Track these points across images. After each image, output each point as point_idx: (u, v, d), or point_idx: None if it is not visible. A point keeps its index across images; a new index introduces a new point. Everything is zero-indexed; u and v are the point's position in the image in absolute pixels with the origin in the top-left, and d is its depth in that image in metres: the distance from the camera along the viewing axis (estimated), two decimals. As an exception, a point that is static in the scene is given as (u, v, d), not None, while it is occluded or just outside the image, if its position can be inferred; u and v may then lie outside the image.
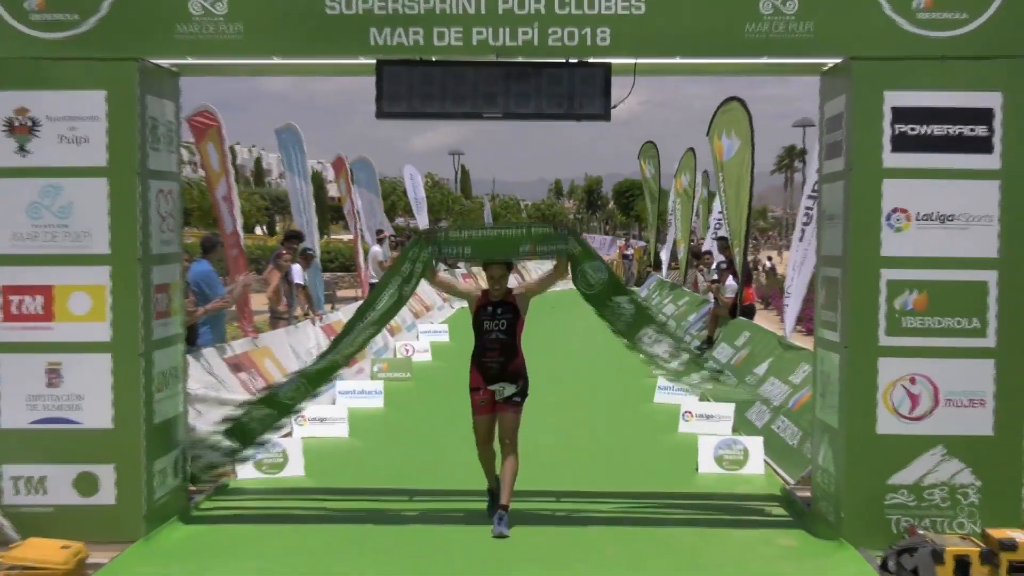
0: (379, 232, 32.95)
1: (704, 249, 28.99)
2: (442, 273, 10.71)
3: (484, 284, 10.32)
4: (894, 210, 9.43)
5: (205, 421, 12.93)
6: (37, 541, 8.88)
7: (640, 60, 9.64)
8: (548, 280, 10.49)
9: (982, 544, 8.60)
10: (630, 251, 54.80)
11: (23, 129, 9.49)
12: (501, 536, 9.59)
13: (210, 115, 16.72)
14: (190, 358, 12.32)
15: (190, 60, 9.72)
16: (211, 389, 13.53)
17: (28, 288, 9.57)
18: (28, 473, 9.60)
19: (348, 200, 27.58)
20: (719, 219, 26.67)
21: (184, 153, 11.58)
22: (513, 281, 10.50)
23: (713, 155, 22.27)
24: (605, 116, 9.62)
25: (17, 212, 9.52)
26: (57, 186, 9.49)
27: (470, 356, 10.20)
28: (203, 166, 17.45)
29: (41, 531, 9.25)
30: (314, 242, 22.14)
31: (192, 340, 13.52)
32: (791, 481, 11.84)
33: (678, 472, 12.39)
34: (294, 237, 19.71)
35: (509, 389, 10.02)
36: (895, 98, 9.39)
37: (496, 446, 10.25)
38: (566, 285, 10.79)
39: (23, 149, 9.50)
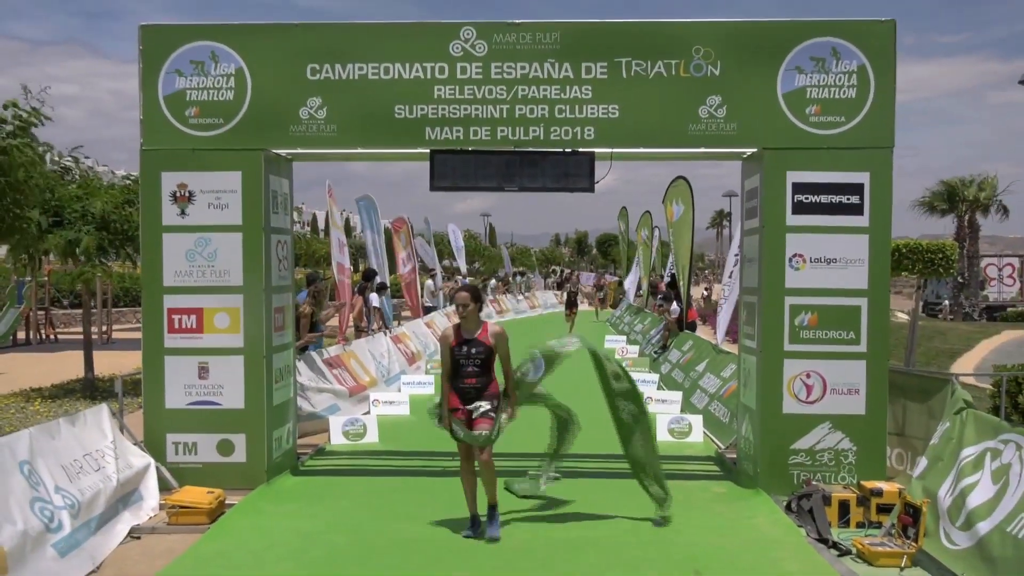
0: (431, 270, 32.93)
1: (663, 284, 28.88)
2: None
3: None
4: (794, 255, 9.40)
5: (310, 403, 12.93)
6: (190, 488, 8.87)
7: (615, 150, 9.64)
8: (508, 369, 8.15)
9: (858, 492, 8.53)
10: (605, 282, 54.67)
11: (183, 198, 9.53)
12: (493, 539, 7.91)
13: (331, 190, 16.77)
14: (299, 360, 12.31)
15: (300, 150, 9.74)
16: (313, 381, 13.51)
17: (185, 310, 9.60)
18: (184, 440, 9.60)
19: (410, 247, 27.53)
20: (672, 262, 26.74)
21: (295, 215, 11.60)
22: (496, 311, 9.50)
23: (666, 217, 22.24)
24: (590, 189, 9.62)
25: (179, 256, 9.55)
26: (206, 238, 9.53)
27: (449, 381, 8.08)
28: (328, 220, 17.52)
29: (193, 481, 9.25)
30: (385, 277, 22.13)
31: (303, 349, 13.54)
32: (722, 447, 11.77)
33: (642, 440, 12.30)
34: (372, 274, 19.75)
35: (484, 406, 7.90)
36: (795, 176, 9.37)
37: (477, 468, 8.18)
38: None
39: (183, 212, 9.53)
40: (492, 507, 8.18)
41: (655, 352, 21.38)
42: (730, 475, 10.27)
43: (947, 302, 47.04)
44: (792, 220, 9.39)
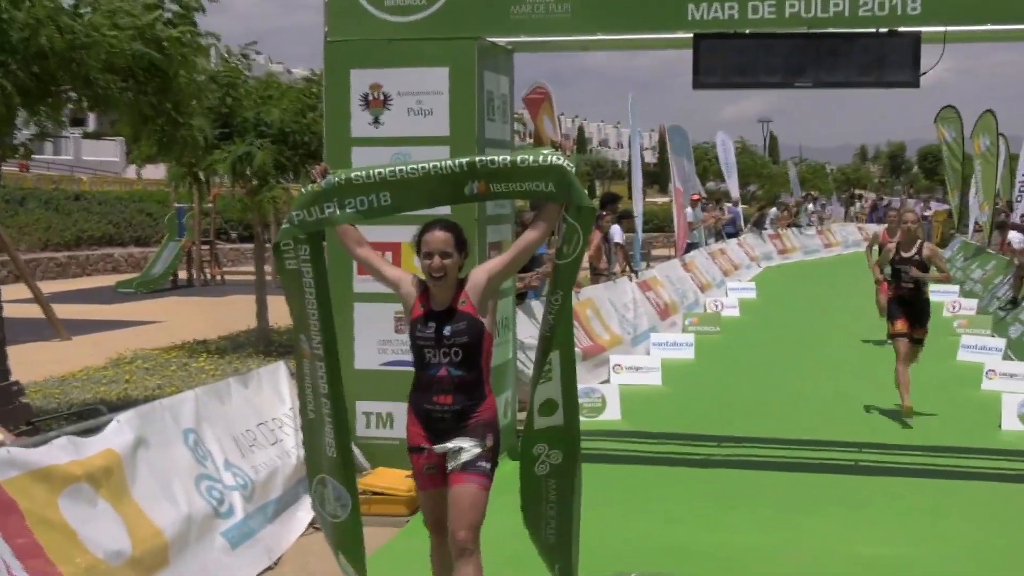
0: (693, 197, 32.71)
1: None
2: (360, 249, 6.62)
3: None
4: None
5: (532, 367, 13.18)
6: (385, 470, 9.23)
7: (950, 28, 9.20)
8: (529, 244, 6.03)
9: None
10: (928, 213, 52.65)
11: (377, 103, 9.83)
12: None
13: (542, 89, 17.00)
14: (519, 310, 12.55)
15: (523, 38, 9.83)
16: (536, 338, 13.71)
17: (379, 245, 9.81)
18: (378, 409, 9.95)
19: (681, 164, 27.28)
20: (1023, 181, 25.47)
21: (516, 124, 11.76)
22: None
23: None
24: (914, 83, 9.26)
25: (371, 177, 9.87)
26: (405, 153, 9.75)
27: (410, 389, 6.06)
28: (537, 133, 17.82)
29: (388, 462, 9.61)
30: (638, 203, 22.14)
31: (522, 296, 13.78)
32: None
33: (980, 428, 11.89)
34: (612, 200, 19.82)
35: (468, 451, 5.86)
36: None
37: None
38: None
39: (376, 121, 9.84)
40: None
41: (1002, 308, 20.53)
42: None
43: None
44: None
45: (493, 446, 5.96)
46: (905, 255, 12.31)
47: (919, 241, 12.38)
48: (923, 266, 12.20)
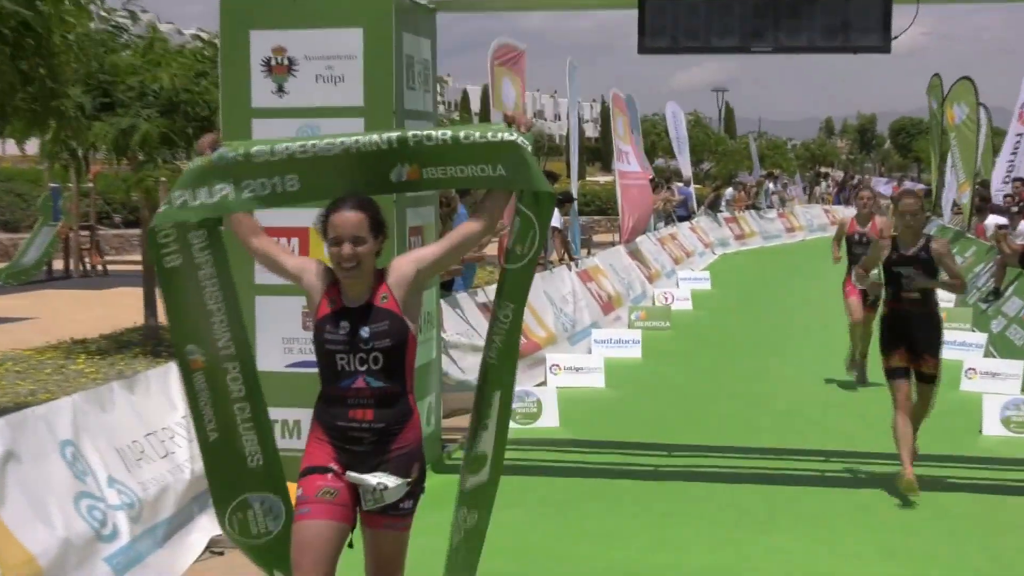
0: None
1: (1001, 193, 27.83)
2: (256, 239, 6.16)
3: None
4: None
5: (457, 366, 13.18)
6: (292, 486, 9.18)
7: (924, -12, 9.33)
8: (469, 237, 5.77)
9: None
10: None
11: (281, 69, 9.75)
12: None
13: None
14: (444, 304, 12.52)
15: (446, -5, 9.81)
16: (465, 336, 13.73)
17: (283, 230, 9.78)
18: (284, 416, 9.85)
19: (632, 138, 27.40)
20: (1011, 160, 25.76)
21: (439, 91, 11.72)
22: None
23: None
24: (885, 48, 9.37)
25: (274, 153, 9.80)
26: (314, 126, 9.70)
27: (316, 400, 5.81)
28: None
29: (296, 476, 9.57)
30: (574, 184, 22.23)
31: (448, 286, 13.75)
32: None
33: (958, 433, 12.03)
34: (548, 177, 19.89)
35: (395, 490, 5.49)
36: None
37: None
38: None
39: (281, 89, 9.77)
40: None
41: (983, 300, 20.76)
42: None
43: None
44: None
45: (418, 477, 5.63)
46: (906, 253, 9.94)
47: (923, 235, 10.14)
48: (931, 268, 9.90)
